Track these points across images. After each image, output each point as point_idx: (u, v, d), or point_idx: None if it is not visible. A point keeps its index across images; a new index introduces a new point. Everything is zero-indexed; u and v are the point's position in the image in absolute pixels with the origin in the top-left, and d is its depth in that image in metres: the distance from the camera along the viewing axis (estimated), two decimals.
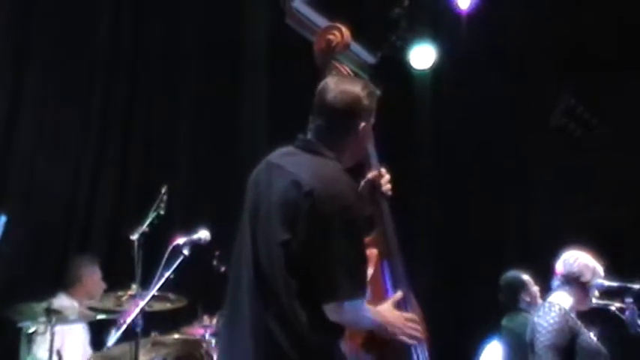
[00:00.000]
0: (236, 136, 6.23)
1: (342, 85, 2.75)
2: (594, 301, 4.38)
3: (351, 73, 3.02)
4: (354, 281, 2.52)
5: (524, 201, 7.82)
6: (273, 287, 2.51)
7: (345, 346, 2.65)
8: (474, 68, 7.48)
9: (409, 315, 2.80)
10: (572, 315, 4.19)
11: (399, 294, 2.81)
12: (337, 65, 3.02)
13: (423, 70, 7.77)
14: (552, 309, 4.13)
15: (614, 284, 4.31)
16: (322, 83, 2.78)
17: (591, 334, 4.19)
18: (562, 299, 4.25)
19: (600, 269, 4.31)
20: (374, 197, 2.95)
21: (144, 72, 5.97)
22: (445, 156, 8.00)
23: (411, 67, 7.74)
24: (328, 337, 2.55)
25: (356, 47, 7.63)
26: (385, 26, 7.65)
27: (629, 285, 4.32)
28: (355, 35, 7.67)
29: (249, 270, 2.58)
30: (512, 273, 5.40)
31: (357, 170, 2.92)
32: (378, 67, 7.79)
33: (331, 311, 2.50)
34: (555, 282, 4.35)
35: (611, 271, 4.39)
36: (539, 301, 5.17)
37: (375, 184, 2.96)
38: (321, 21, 7.15)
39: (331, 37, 3.04)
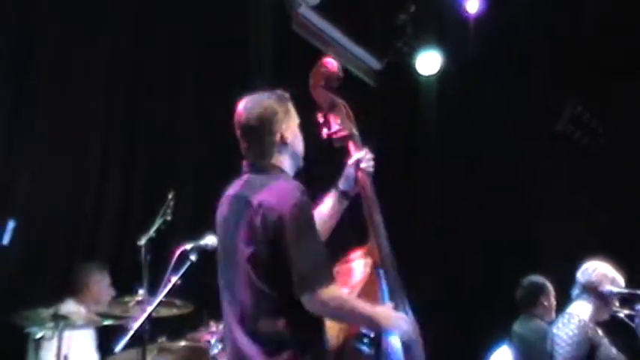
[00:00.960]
0: None
1: (249, 103, 3.00)
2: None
3: (344, 103, 3.31)
4: (319, 269, 2.71)
5: (529, 206, 7.81)
6: (242, 306, 2.76)
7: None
8: (480, 74, 7.48)
9: (400, 314, 2.98)
10: (592, 325, 4.18)
11: (389, 305, 2.99)
12: (330, 95, 3.32)
13: (429, 76, 7.78)
14: (572, 321, 4.14)
15: (624, 291, 4.31)
16: (236, 110, 3.02)
17: (609, 344, 4.18)
18: (581, 310, 4.25)
19: (620, 279, 4.31)
20: (364, 180, 3.20)
21: (149, 77, 5.96)
22: (450, 161, 7.99)
23: (416, 72, 7.75)
24: (308, 336, 2.73)
25: (362, 53, 7.67)
26: (391, 32, 7.67)
27: (639, 292, 4.31)
28: (361, 41, 7.75)
29: (227, 295, 2.86)
30: (536, 276, 5.41)
31: (343, 152, 3.26)
32: (384, 73, 7.81)
33: (309, 303, 2.68)
34: (575, 291, 4.36)
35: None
36: (553, 312, 5.18)
37: (358, 162, 3.21)
38: (327, 27, 7.18)
39: (324, 70, 3.33)
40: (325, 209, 3.17)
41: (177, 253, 3.51)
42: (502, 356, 5.34)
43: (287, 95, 3.04)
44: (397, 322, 2.92)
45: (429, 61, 7.66)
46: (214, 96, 6.17)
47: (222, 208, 2.96)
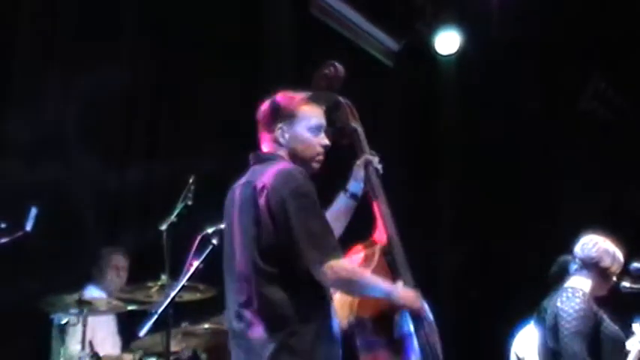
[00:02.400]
0: None
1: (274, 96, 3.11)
2: (628, 285, 4.32)
3: (350, 105, 3.38)
4: (327, 243, 2.79)
5: (551, 187, 7.74)
6: (248, 283, 2.83)
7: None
8: (500, 53, 7.41)
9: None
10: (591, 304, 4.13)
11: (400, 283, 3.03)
12: (343, 103, 3.38)
13: (449, 56, 7.71)
14: (576, 294, 4.07)
15: None
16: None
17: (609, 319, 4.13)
18: (582, 284, 4.19)
19: (620, 255, 4.25)
20: (369, 176, 3.28)
21: (171, 63, 5.96)
22: (471, 141, 7.94)
23: (436, 53, 7.69)
24: (311, 313, 2.79)
25: (380, 34, 7.61)
26: (410, 12, 7.60)
27: None
28: (379, 22, 7.70)
29: (232, 275, 2.93)
30: (569, 256, 5.37)
31: (351, 154, 3.34)
32: (403, 53, 7.75)
33: (321, 274, 2.75)
34: (573, 266, 4.30)
35: None
36: None
37: (367, 163, 3.30)
38: (345, 9, 7.13)
39: (327, 72, 3.37)
40: (335, 211, 3.24)
41: (199, 237, 3.52)
42: (527, 336, 5.31)
43: (315, 98, 3.13)
44: (411, 298, 2.96)
45: (448, 41, 7.59)
46: (234, 80, 6.17)
47: (230, 198, 3.03)
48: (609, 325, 4.06)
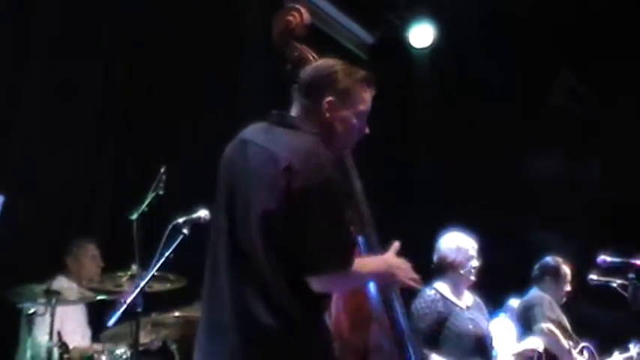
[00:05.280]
0: (236, 113, 6.20)
1: (318, 63, 2.78)
2: (595, 277, 4.41)
3: (314, 55, 2.97)
4: (336, 253, 2.48)
5: (525, 180, 7.80)
6: (253, 264, 2.48)
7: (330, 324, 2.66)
8: (473, 46, 7.44)
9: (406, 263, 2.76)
10: (452, 298, 4.31)
11: (397, 244, 2.76)
12: (297, 46, 2.99)
13: (422, 49, 7.73)
14: (422, 295, 4.26)
15: (617, 260, 4.32)
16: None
17: (467, 316, 4.28)
18: (439, 286, 4.39)
19: (471, 249, 4.37)
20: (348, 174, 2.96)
21: (143, 53, 5.92)
22: (444, 135, 7.97)
23: (410, 46, 7.71)
24: (311, 310, 2.52)
25: (354, 26, 7.61)
26: (384, 5, 7.61)
27: (632, 261, 4.31)
28: (353, 14, 7.68)
29: (226, 250, 2.56)
30: (554, 257, 5.49)
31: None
32: (376, 46, 7.76)
33: (316, 283, 2.46)
34: (433, 269, 4.42)
35: (614, 248, 4.39)
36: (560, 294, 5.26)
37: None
38: (320, 1, 7.11)
39: (290, 18, 3.01)
40: None
41: (170, 227, 3.50)
42: (497, 328, 5.37)
43: (369, 77, 2.77)
44: (400, 272, 2.73)
45: (422, 34, 7.62)
46: (206, 72, 6.14)
47: (234, 155, 2.68)
48: (457, 321, 4.24)
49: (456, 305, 4.32)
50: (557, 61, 7.48)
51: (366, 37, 7.77)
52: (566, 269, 5.41)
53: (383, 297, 2.86)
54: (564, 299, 5.40)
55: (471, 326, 4.28)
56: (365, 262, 2.67)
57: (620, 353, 5.14)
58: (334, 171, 2.55)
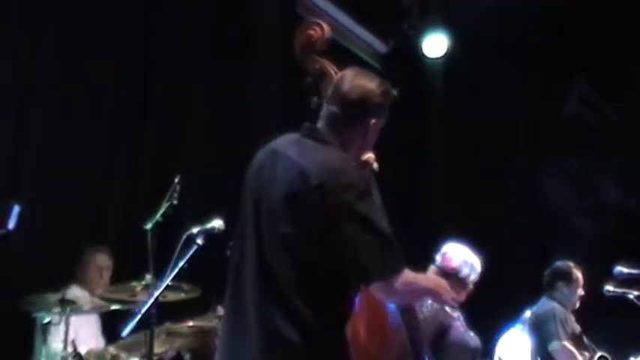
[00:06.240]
0: (248, 124, 6.22)
1: (359, 78, 2.76)
2: (612, 288, 4.37)
3: (334, 68, 2.99)
4: (391, 259, 2.51)
5: (536, 187, 7.77)
6: (278, 280, 2.48)
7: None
8: (487, 56, 7.43)
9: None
10: (449, 308, 4.26)
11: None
12: (318, 59, 3.01)
13: (436, 59, 7.73)
14: (424, 303, 4.19)
15: (634, 272, 4.29)
16: (341, 74, 2.81)
17: (463, 326, 4.29)
18: None
19: (478, 265, 4.34)
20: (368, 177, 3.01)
21: (157, 61, 5.94)
22: (457, 144, 7.96)
23: (423, 55, 7.71)
24: (334, 327, 2.52)
25: (368, 36, 7.62)
26: (397, 15, 7.62)
27: None
28: (367, 24, 7.70)
29: (253, 263, 2.55)
30: (565, 262, 5.48)
31: None
32: (390, 56, 7.77)
33: (383, 292, 2.55)
34: (435, 267, 4.38)
35: (631, 259, 4.36)
36: (574, 299, 5.24)
37: (367, 164, 2.98)
38: (333, 10, 7.14)
39: (311, 32, 3.04)
40: None
41: (184, 237, 3.50)
42: (510, 340, 5.35)
43: (394, 92, 2.82)
44: (446, 292, 2.81)
45: (435, 44, 7.62)
46: (222, 82, 6.16)
47: (263, 163, 2.67)
48: (456, 332, 4.20)
49: (451, 316, 4.31)
50: (571, 69, 7.45)
51: (380, 46, 7.79)
52: (578, 273, 5.39)
53: (404, 311, 2.89)
54: (578, 304, 5.38)
55: (468, 339, 4.26)
56: (419, 277, 2.74)
57: (636, 358, 5.10)
58: (366, 185, 2.58)
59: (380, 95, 2.73)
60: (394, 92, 2.81)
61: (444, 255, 4.40)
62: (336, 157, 2.59)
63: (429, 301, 4.23)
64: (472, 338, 4.31)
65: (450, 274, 4.32)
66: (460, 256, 4.37)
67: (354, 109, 2.69)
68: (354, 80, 2.74)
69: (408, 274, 2.57)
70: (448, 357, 4.15)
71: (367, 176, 2.70)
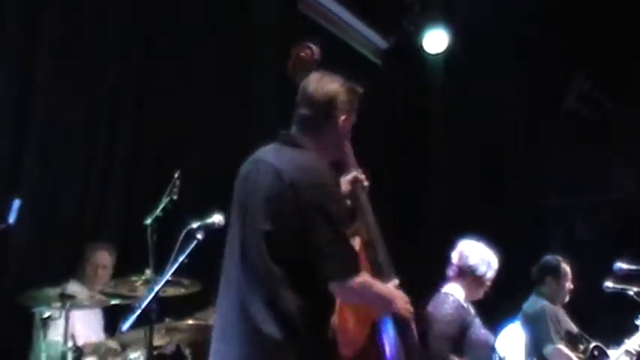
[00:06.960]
0: (248, 119, 6.22)
1: (323, 80, 2.96)
2: (611, 285, 4.38)
3: None
4: (351, 259, 2.71)
5: (537, 185, 7.78)
6: (258, 275, 2.67)
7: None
8: (487, 52, 7.43)
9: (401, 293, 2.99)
10: (466, 305, 4.29)
11: (396, 281, 3.02)
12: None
13: (436, 55, 7.73)
14: (446, 300, 4.23)
15: (634, 267, 4.29)
16: (306, 79, 3.01)
17: (480, 325, 4.31)
18: (455, 291, 4.32)
19: (495, 261, 4.34)
20: (355, 192, 3.20)
21: (155, 55, 5.93)
22: (457, 140, 7.95)
23: (424, 51, 7.70)
24: (314, 320, 2.67)
25: (368, 32, 7.61)
26: (398, 11, 7.61)
27: None
28: (367, 20, 7.70)
29: (236, 260, 2.74)
30: (553, 256, 5.46)
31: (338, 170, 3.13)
32: (390, 52, 7.76)
33: (339, 291, 2.70)
34: (450, 272, 4.38)
35: (632, 256, 4.37)
36: (562, 294, 5.23)
37: (356, 180, 3.21)
38: (333, 6, 7.13)
39: (303, 54, 3.32)
40: None
41: (184, 232, 3.50)
42: (509, 336, 5.35)
43: (360, 90, 3.02)
44: (400, 302, 2.93)
45: (436, 40, 7.61)
46: (222, 78, 6.15)
47: (248, 171, 2.88)
48: (476, 330, 4.23)
49: (470, 314, 4.30)
50: (572, 65, 7.45)
51: (381, 42, 7.78)
52: (566, 267, 5.37)
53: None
54: (567, 298, 5.36)
55: (487, 336, 4.26)
56: (376, 283, 2.87)
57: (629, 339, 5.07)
58: (334, 184, 2.80)
59: (345, 92, 2.93)
60: (359, 89, 3.00)
61: (460, 253, 4.38)
62: (306, 158, 2.80)
63: (451, 299, 4.24)
64: (489, 335, 4.31)
65: (467, 273, 4.31)
66: (477, 254, 4.35)
67: (322, 107, 2.90)
68: (319, 82, 2.95)
69: (365, 277, 2.76)
70: (470, 354, 4.15)
71: (336, 176, 2.87)
